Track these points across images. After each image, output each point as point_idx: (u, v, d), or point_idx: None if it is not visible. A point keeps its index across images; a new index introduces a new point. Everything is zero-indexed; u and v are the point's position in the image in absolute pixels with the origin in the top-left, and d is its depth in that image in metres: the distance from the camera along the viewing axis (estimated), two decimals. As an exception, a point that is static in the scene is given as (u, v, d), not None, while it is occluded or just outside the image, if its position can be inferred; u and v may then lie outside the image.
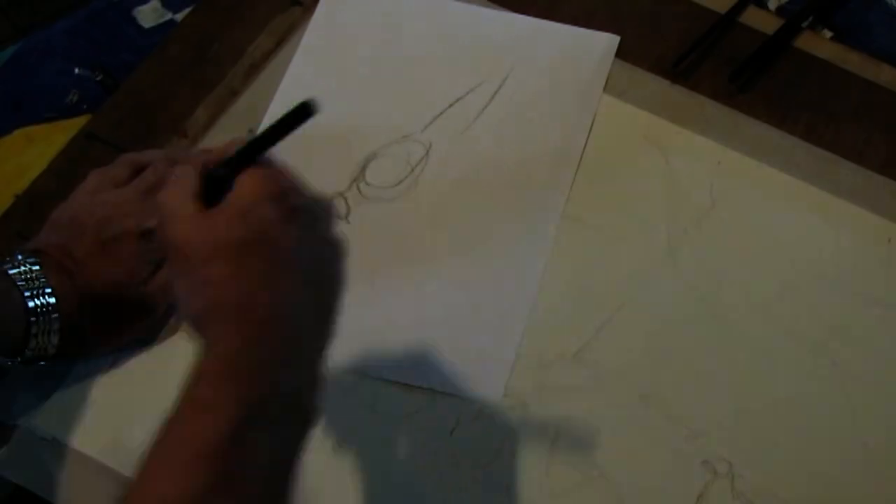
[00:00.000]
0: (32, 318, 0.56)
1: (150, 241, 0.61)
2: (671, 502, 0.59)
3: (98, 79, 0.78)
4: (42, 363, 0.58)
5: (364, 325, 0.64)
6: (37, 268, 0.57)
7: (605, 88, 0.73)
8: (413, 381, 0.63)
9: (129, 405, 0.62)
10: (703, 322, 0.65)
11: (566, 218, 0.68)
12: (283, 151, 0.71)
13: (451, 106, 0.73)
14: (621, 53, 0.75)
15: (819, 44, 0.77)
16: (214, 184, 0.45)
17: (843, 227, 0.68)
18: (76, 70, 0.79)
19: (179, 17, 0.81)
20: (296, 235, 0.44)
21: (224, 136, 0.72)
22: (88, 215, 0.61)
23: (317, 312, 0.46)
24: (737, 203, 0.69)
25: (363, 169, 0.70)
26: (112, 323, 0.61)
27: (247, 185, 0.44)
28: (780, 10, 0.80)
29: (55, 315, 0.57)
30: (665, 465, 0.60)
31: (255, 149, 0.45)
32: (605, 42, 0.75)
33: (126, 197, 0.62)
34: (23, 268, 0.57)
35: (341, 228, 0.64)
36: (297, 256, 0.45)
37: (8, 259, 0.58)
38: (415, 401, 0.62)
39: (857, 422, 0.62)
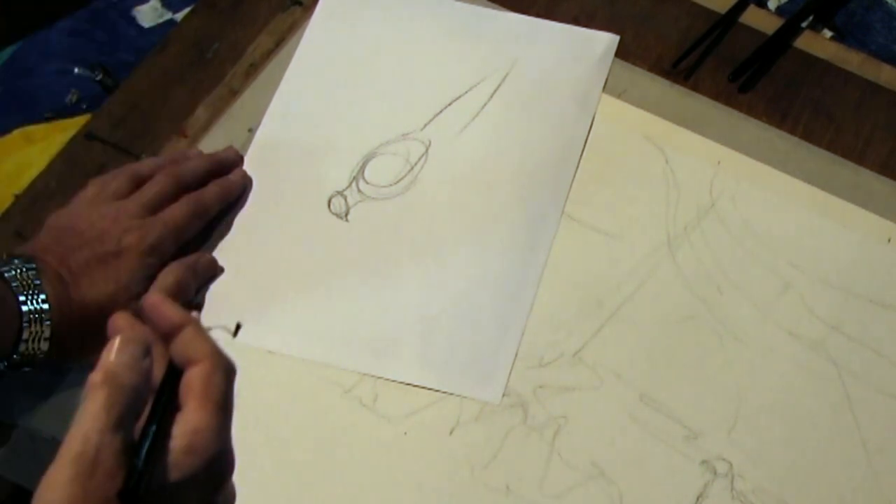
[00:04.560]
0: (25, 323, 0.56)
1: (149, 258, 0.61)
2: (671, 502, 0.59)
3: (98, 78, 0.78)
4: (27, 369, 0.58)
5: (363, 325, 0.64)
6: (33, 273, 0.57)
7: (605, 88, 0.73)
8: (413, 381, 0.63)
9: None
10: (703, 322, 0.65)
11: (566, 218, 0.68)
12: (283, 151, 0.71)
13: (450, 104, 0.73)
14: (621, 53, 0.75)
15: (819, 44, 0.77)
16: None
17: (843, 227, 0.68)
18: (76, 70, 0.79)
19: (179, 16, 0.81)
20: None
21: (223, 135, 0.72)
22: (88, 226, 0.61)
23: None
24: (737, 203, 0.69)
25: (362, 167, 0.70)
26: (101, 336, 0.60)
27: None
28: (780, 10, 0.80)
29: (47, 322, 0.57)
30: (665, 464, 0.60)
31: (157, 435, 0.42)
32: (605, 42, 0.75)
33: (127, 211, 0.62)
34: (19, 271, 0.57)
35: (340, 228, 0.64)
36: None
37: (4, 261, 0.58)
38: (415, 401, 0.62)
39: (857, 422, 0.62)
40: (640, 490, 0.60)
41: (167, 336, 0.45)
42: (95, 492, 0.39)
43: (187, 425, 0.42)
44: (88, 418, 0.40)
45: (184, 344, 0.44)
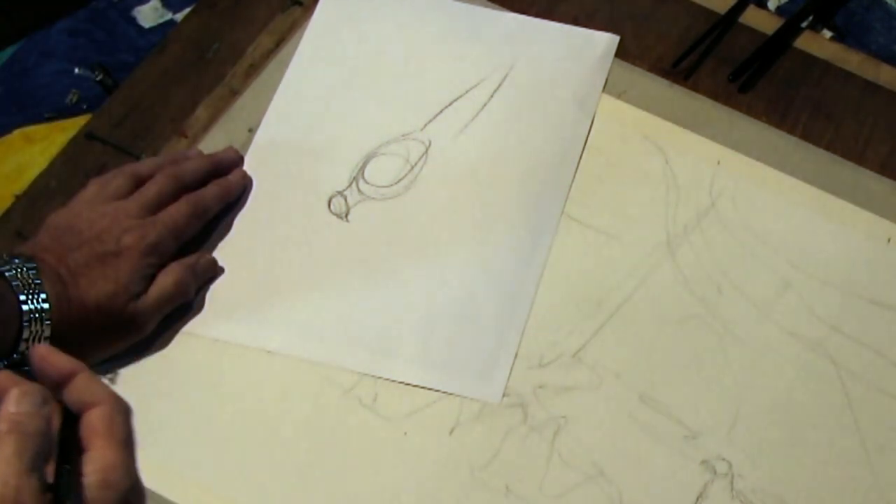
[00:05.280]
0: (25, 322, 0.56)
1: (149, 258, 0.61)
2: (671, 502, 0.59)
3: (98, 79, 0.78)
4: (27, 369, 0.58)
5: (363, 325, 0.64)
6: (33, 272, 0.57)
7: (605, 88, 0.73)
8: (413, 381, 0.63)
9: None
10: (703, 322, 0.65)
11: (566, 218, 0.68)
12: (283, 151, 0.71)
13: (450, 105, 0.73)
14: (621, 53, 0.75)
15: (819, 44, 0.77)
16: None
17: (843, 227, 0.68)
18: (76, 70, 0.79)
19: (179, 17, 0.81)
20: None
21: (224, 136, 0.72)
22: (87, 226, 0.61)
23: None
24: (736, 203, 0.69)
25: (362, 167, 0.70)
26: (100, 336, 0.60)
27: None
28: (779, 10, 0.80)
29: (47, 322, 0.57)
30: (665, 464, 0.60)
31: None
32: (604, 42, 0.75)
33: (126, 210, 0.62)
34: (19, 271, 0.57)
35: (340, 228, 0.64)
36: None
37: (4, 261, 0.58)
38: (414, 401, 0.62)
39: (857, 422, 0.62)
40: (640, 490, 0.60)
41: (58, 385, 0.46)
42: None
43: (98, 462, 0.44)
44: (3, 465, 0.41)
45: (78, 390, 0.45)
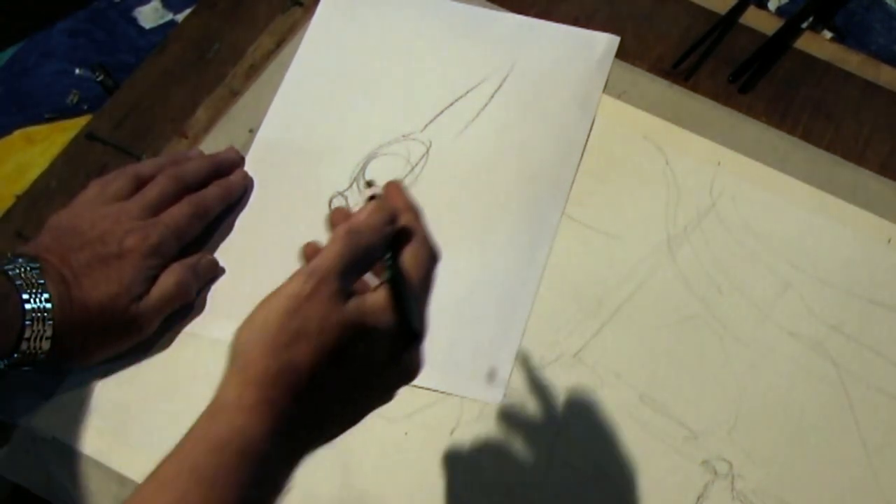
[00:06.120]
0: (28, 322, 0.56)
1: (151, 259, 0.61)
2: (671, 502, 0.59)
3: (98, 79, 0.78)
4: (27, 368, 0.58)
5: (364, 325, 0.64)
6: (37, 272, 0.57)
7: (605, 89, 0.73)
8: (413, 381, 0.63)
9: (129, 405, 0.62)
10: (703, 322, 0.65)
11: (566, 218, 0.69)
12: (284, 152, 0.71)
13: (450, 105, 0.73)
14: (621, 53, 0.75)
15: (819, 44, 0.77)
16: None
17: (842, 227, 0.68)
18: (76, 70, 0.79)
19: (180, 17, 0.81)
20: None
21: (224, 136, 0.72)
22: (89, 227, 0.61)
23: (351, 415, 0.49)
24: (737, 203, 0.69)
25: (363, 168, 0.70)
26: (102, 337, 0.60)
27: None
28: (780, 11, 0.81)
29: (49, 321, 0.57)
30: (665, 465, 0.60)
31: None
32: (605, 42, 0.75)
33: (128, 212, 0.62)
34: (23, 270, 0.57)
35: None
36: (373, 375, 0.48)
37: (8, 260, 0.58)
38: (415, 401, 0.62)
39: (857, 422, 0.62)
40: (640, 490, 0.60)
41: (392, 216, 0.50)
42: (306, 313, 0.45)
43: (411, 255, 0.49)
44: (325, 259, 0.46)
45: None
